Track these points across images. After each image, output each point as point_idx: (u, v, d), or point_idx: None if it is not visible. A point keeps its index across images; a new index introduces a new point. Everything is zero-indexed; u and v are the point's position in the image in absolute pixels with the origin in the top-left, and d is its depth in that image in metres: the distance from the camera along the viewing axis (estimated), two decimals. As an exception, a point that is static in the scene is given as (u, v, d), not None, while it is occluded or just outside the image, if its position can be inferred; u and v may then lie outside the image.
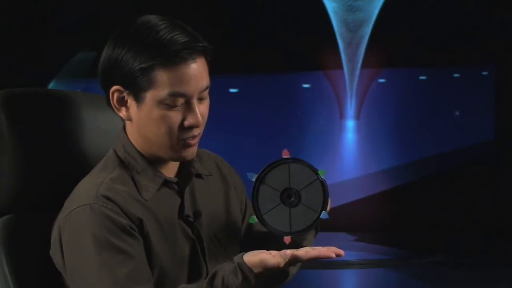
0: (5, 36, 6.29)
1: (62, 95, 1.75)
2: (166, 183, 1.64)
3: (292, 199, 1.58)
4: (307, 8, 7.29)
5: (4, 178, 1.66)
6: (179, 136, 1.60)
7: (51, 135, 1.70)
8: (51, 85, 6.65)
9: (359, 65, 7.45)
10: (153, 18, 1.60)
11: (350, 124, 7.52)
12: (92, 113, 1.74)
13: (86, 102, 1.75)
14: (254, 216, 1.60)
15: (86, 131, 1.73)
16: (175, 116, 1.59)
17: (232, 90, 7.34)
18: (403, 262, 6.22)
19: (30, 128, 1.68)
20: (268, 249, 1.53)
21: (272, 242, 1.63)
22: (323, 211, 1.58)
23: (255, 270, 1.50)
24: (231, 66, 6.68)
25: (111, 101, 1.61)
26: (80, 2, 6.64)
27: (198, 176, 1.71)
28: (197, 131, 1.61)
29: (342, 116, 7.52)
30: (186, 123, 1.59)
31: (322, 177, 1.58)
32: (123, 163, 1.63)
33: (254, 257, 1.50)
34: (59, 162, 1.70)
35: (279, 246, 1.58)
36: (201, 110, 1.61)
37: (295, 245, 1.66)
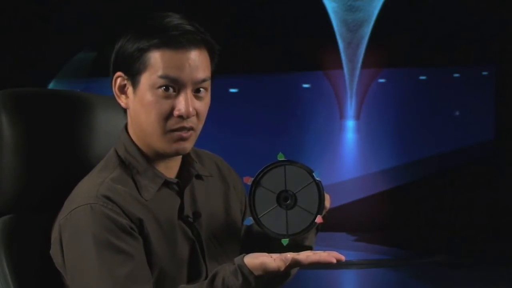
0: (5, 36, 6.28)
1: (62, 95, 1.75)
2: (166, 183, 1.64)
3: (288, 201, 1.58)
4: (307, 8, 7.29)
5: (4, 178, 1.66)
6: (168, 126, 1.59)
7: (51, 135, 1.70)
8: (51, 85, 6.64)
9: (359, 65, 7.45)
10: (161, 12, 1.61)
11: (350, 124, 7.52)
12: (93, 113, 1.74)
13: (86, 102, 1.75)
14: (250, 218, 1.59)
15: (86, 131, 1.73)
16: (166, 104, 1.58)
17: (232, 90, 7.34)
18: (403, 262, 6.22)
19: (30, 128, 1.68)
20: (268, 250, 1.53)
21: (273, 242, 1.63)
22: (318, 215, 1.57)
23: (256, 273, 1.50)
24: (231, 66, 6.68)
25: (113, 89, 1.62)
26: (80, 2, 6.63)
27: (198, 176, 1.71)
28: (188, 124, 1.59)
29: (342, 116, 7.52)
30: (176, 112, 1.58)
31: (318, 179, 1.58)
32: (123, 163, 1.63)
33: (255, 260, 1.50)
34: (59, 162, 1.70)
35: (279, 247, 1.58)
36: (197, 105, 1.60)
37: (296, 245, 1.66)
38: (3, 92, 1.69)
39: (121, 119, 1.66)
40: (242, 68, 7.10)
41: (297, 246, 1.64)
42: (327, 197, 1.62)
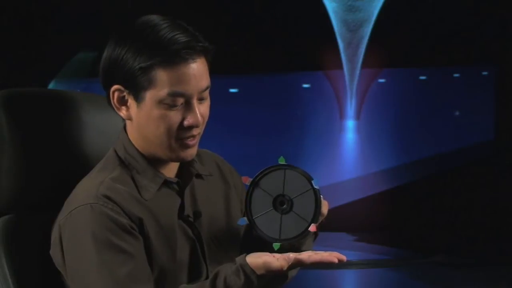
0: (5, 36, 6.28)
1: (62, 95, 1.75)
2: (166, 183, 1.64)
3: (284, 206, 1.58)
4: (307, 8, 7.29)
5: (4, 178, 1.66)
6: (178, 136, 1.60)
7: (51, 135, 1.70)
8: (51, 85, 6.64)
9: (359, 65, 7.45)
10: (154, 18, 1.60)
11: (350, 124, 7.52)
12: (92, 113, 1.74)
13: (86, 102, 1.75)
14: (244, 218, 1.59)
15: (86, 131, 1.73)
16: (175, 116, 1.58)
17: (232, 90, 7.34)
18: (403, 262, 6.22)
19: (30, 128, 1.68)
20: (269, 250, 1.53)
21: (267, 245, 1.63)
22: (312, 223, 1.57)
23: (258, 272, 1.50)
24: (231, 66, 6.68)
25: (112, 101, 1.61)
26: (80, 2, 6.63)
27: (198, 176, 1.71)
28: (197, 131, 1.61)
29: (342, 116, 7.51)
30: (186, 123, 1.59)
31: (316, 187, 1.57)
32: (123, 163, 1.63)
33: (257, 259, 1.50)
34: (59, 162, 1.70)
35: (273, 250, 1.58)
36: (202, 110, 1.61)
37: (294, 249, 1.66)
38: (3, 92, 1.69)
39: (120, 119, 1.66)
40: (242, 68, 7.10)
41: (294, 250, 1.64)
42: (324, 204, 1.61)
